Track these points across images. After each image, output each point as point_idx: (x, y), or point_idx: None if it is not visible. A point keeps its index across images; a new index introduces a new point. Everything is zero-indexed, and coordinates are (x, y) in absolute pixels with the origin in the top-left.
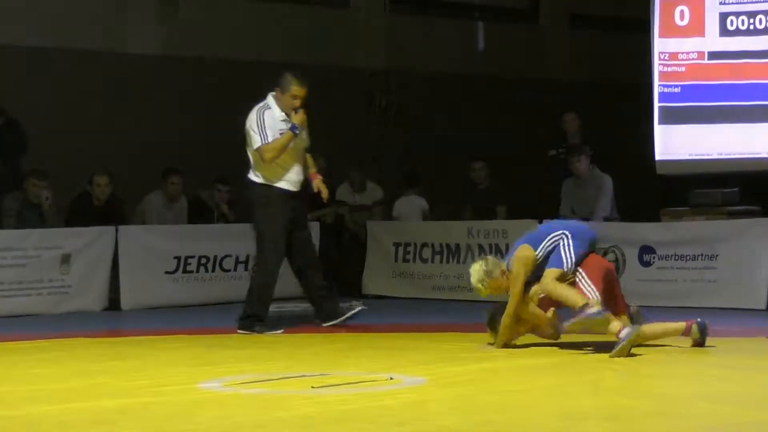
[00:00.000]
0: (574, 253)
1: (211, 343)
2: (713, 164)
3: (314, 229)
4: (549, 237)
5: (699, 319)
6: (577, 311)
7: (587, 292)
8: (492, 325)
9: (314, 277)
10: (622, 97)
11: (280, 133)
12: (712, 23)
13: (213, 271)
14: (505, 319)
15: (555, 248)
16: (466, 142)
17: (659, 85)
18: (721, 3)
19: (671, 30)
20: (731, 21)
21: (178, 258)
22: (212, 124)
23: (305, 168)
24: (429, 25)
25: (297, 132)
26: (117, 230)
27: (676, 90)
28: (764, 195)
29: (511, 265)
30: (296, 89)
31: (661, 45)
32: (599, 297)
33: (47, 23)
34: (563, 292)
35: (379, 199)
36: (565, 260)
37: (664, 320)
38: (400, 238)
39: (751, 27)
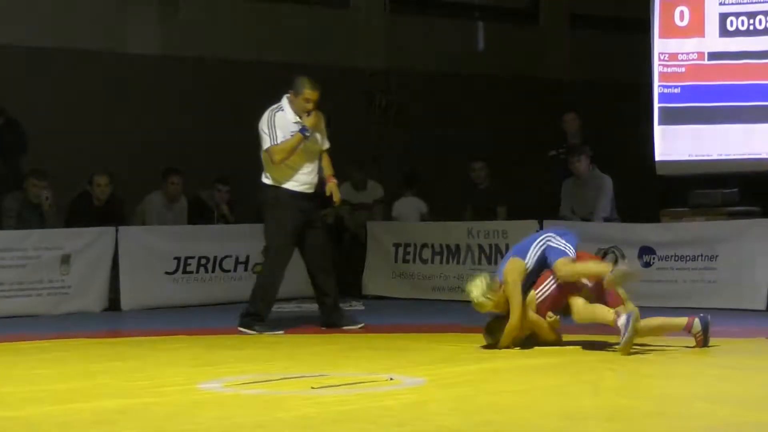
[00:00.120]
0: (572, 245)
1: (211, 343)
2: (713, 165)
3: None
4: (535, 243)
5: (701, 314)
6: (616, 329)
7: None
8: (490, 330)
9: (324, 282)
10: (622, 97)
11: (291, 135)
12: (712, 24)
13: (213, 271)
14: (511, 330)
15: (546, 248)
16: (466, 142)
17: (659, 86)
18: (721, 3)
19: (671, 30)
20: (731, 21)
21: (178, 258)
22: (212, 124)
23: (320, 170)
24: (429, 25)
25: (307, 134)
26: (117, 230)
27: (676, 90)
28: (764, 195)
29: (504, 277)
30: (309, 92)
31: (661, 45)
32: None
33: (47, 23)
34: (580, 266)
35: (379, 198)
36: (566, 249)
37: None
38: (400, 238)
39: (751, 27)
